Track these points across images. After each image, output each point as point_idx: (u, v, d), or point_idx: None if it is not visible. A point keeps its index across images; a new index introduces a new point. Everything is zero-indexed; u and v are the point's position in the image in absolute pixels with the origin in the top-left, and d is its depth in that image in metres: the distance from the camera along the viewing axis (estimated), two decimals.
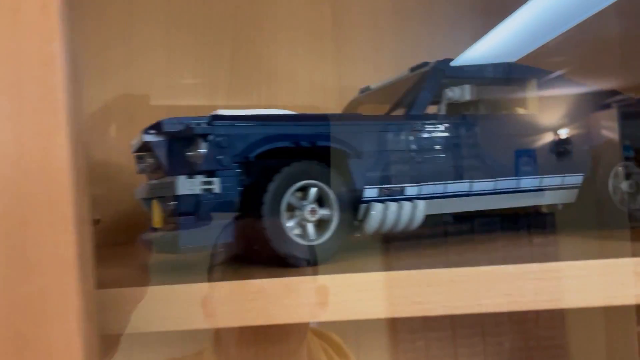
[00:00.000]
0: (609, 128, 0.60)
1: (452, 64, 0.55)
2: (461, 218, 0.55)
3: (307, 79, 0.80)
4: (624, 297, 0.40)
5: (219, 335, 0.60)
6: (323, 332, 0.67)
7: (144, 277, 0.48)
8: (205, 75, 0.79)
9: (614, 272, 0.40)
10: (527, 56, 0.77)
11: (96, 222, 0.54)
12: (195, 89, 0.78)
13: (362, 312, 0.38)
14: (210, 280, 0.38)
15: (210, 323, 0.38)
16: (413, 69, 0.57)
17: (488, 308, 0.38)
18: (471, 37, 0.84)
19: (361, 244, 0.52)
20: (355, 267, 0.42)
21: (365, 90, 0.66)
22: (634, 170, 0.60)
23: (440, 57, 0.56)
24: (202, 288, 0.37)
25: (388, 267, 0.40)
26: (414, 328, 0.78)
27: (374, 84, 0.64)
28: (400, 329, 0.78)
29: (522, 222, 0.59)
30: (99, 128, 0.76)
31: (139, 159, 0.50)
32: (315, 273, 0.40)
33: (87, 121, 0.75)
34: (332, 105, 0.78)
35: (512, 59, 0.62)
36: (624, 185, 0.59)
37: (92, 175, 0.76)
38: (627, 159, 0.59)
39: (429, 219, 0.51)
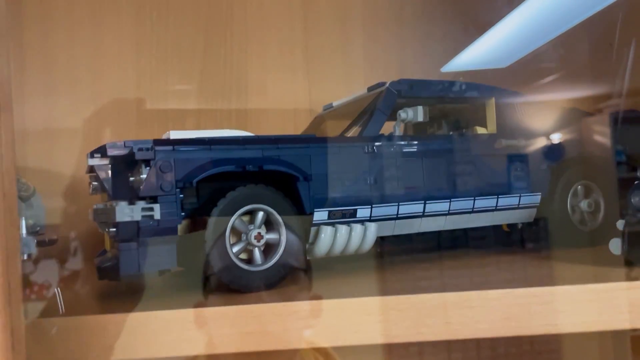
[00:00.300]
0: (568, 146, 0.60)
1: (410, 82, 0.54)
2: (416, 239, 0.55)
3: (276, 87, 0.80)
4: (567, 325, 0.39)
5: None
6: None
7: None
8: (176, 82, 0.78)
9: (558, 299, 0.39)
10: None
11: (53, 241, 0.53)
12: (165, 96, 0.78)
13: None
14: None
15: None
16: (370, 89, 0.56)
17: (428, 336, 0.38)
18: (441, 53, 0.84)
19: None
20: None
21: (328, 107, 0.65)
22: (593, 189, 0.60)
23: (411, 72, 0.55)
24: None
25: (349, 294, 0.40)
26: None
27: (336, 102, 0.64)
28: None
29: (480, 241, 0.59)
30: (69, 141, 0.75)
31: (90, 180, 0.49)
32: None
33: (56, 134, 0.75)
34: (302, 115, 0.77)
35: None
36: (583, 205, 0.59)
37: (67, 191, 0.76)
38: (619, 163, 0.58)
39: (381, 241, 0.51)
